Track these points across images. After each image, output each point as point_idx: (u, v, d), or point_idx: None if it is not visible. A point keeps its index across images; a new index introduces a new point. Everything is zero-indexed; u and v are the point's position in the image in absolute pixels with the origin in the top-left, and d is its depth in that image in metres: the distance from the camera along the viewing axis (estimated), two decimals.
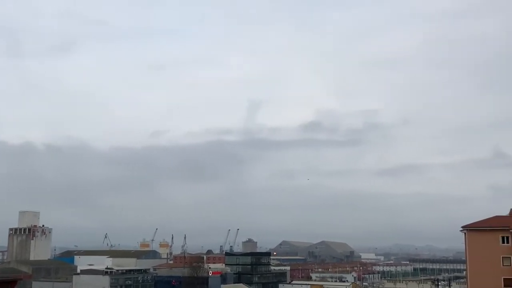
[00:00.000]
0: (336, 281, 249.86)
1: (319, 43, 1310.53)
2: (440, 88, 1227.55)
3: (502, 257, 77.72)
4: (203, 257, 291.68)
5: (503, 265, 77.43)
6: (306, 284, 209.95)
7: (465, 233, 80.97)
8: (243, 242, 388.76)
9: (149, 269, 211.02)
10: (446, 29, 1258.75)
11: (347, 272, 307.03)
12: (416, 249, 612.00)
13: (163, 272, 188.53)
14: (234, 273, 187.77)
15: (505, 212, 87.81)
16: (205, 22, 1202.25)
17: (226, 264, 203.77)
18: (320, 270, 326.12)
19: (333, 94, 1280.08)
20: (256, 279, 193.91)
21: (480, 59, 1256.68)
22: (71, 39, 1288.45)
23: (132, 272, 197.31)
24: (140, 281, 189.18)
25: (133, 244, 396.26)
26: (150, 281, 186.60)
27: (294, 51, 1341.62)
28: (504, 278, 76.75)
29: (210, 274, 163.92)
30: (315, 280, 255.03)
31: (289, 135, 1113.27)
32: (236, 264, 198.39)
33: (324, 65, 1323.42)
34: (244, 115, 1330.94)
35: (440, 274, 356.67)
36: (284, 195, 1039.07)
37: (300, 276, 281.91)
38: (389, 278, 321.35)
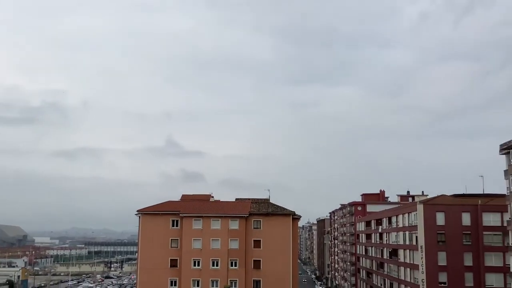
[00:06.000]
0: (4, 267, 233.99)
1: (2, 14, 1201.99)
2: (125, 76, 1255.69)
3: (171, 239, 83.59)
4: None
5: (171, 246, 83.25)
6: None
7: (139, 216, 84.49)
8: None
9: None
10: (140, 21, 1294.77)
11: (18, 257, 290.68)
12: (93, 232, 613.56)
13: None
14: None
15: (178, 198, 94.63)
16: None
17: None
18: None
19: (17, 69, 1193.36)
20: None
21: (168, 54, 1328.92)
22: None
23: None
24: None
25: None
26: None
27: None
28: (170, 259, 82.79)
29: None
30: None
31: None
32: None
33: (9, 38, 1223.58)
34: None
35: (114, 257, 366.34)
36: None
37: None
38: (62, 262, 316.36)
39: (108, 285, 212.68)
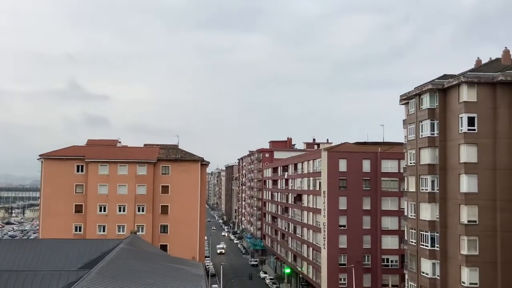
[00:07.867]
0: None
1: None
2: (23, 13, 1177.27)
3: (76, 184, 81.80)
4: None
5: (75, 192, 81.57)
6: None
7: (42, 161, 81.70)
8: None
9: None
10: None
11: None
12: None
13: None
14: None
15: (83, 143, 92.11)
16: None
17: None
18: None
19: None
20: None
21: None
22: None
23: None
24: None
25: None
26: None
27: None
28: (75, 204, 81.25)
29: None
30: None
31: None
32: None
33: None
34: None
35: (15, 202, 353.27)
36: None
37: None
38: None
39: (9, 231, 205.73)
